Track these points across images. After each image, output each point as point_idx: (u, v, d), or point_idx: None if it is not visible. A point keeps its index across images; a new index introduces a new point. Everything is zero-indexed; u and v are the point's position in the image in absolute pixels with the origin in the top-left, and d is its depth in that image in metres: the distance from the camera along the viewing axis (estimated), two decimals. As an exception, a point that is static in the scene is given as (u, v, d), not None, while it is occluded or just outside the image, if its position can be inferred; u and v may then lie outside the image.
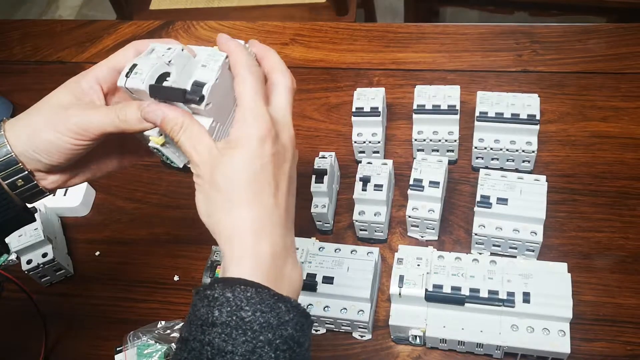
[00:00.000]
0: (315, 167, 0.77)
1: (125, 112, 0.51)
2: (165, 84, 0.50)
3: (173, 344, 0.72)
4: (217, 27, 1.05)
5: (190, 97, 0.48)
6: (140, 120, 0.50)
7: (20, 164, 0.51)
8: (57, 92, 0.53)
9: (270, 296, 0.44)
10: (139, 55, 0.52)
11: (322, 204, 0.77)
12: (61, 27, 1.10)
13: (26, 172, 0.52)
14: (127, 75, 0.49)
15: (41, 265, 0.77)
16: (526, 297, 0.64)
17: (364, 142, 0.82)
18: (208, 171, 0.48)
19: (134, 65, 0.50)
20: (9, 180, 0.52)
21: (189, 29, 1.05)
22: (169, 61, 0.50)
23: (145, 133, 0.52)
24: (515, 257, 0.72)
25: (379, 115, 0.81)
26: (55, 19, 2.34)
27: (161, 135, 0.51)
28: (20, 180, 0.52)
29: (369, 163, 0.76)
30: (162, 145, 0.52)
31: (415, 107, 0.80)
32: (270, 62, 0.52)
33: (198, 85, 0.48)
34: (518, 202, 0.70)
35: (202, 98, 0.48)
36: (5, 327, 0.78)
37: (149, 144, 0.52)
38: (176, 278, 0.79)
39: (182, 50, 0.51)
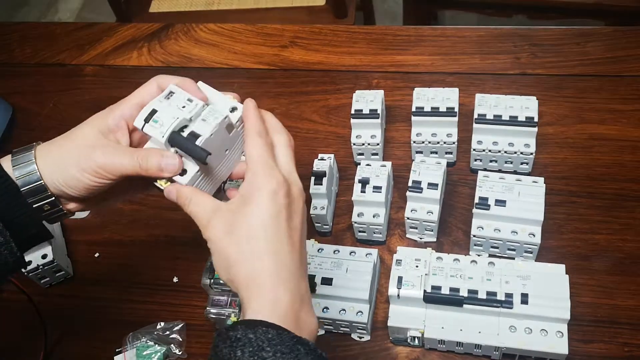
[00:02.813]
0: (314, 169, 0.77)
1: (147, 161, 0.53)
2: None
3: (172, 345, 0.72)
4: (216, 29, 1.05)
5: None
6: (160, 169, 0.53)
7: (48, 192, 0.54)
8: (85, 128, 0.55)
9: (290, 338, 0.46)
10: (160, 91, 0.54)
11: (321, 205, 0.77)
12: (60, 30, 1.10)
13: (53, 198, 0.55)
14: (145, 120, 0.52)
15: (41, 267, 0.77)
16: (524, 299, 0.64)
17: (363, 144, 0.82)
18: (220, 229, 0.50)
19: (154, 111, 0.52)
20: (38, 205, 0.55)
21: (188, 31, 1.05)
22: (190, 118, 0.52)
23: None
24: (513, 258, 0.73)
25: (377, 118, 0.81)
26: (55, 21, 2.34)
27: None
28: (47, 205, 0.55)
29: (367, 165, 0.77)
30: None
31: (414, 109, 0.80)
32: (268, 125, 0.55)
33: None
34: (516, 204, 0.70)
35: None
36: (5, 328, 0.78)
37: (155, 183, 0.55)
38: (175, 279, 0.79)
39: (203, 107, 0.53)
